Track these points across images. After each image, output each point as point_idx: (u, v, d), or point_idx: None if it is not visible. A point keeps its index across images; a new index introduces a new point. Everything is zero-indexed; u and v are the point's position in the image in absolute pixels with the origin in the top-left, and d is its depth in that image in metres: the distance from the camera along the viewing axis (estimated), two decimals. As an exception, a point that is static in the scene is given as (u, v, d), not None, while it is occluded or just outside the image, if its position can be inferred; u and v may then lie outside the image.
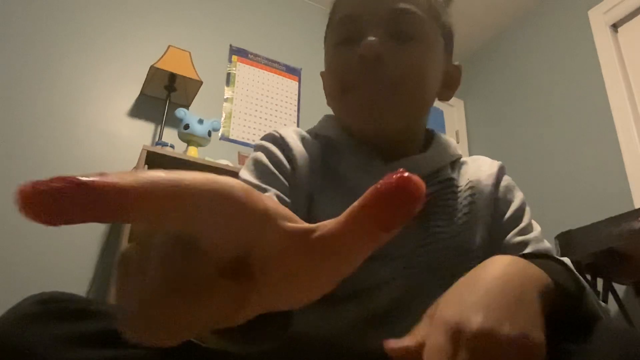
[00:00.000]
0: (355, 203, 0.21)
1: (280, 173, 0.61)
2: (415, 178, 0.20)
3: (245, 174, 0.62)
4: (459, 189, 0.66)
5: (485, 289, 0.40)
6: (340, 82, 0.64)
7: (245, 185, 0.21)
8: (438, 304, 0.42)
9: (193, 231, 0.19)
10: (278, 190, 0.59)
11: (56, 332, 0.38)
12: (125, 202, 0.17)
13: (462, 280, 0.43)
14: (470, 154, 3.32)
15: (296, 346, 0.54)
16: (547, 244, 0.64)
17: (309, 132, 0.69)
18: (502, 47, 3.37)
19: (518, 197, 0.67)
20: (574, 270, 0.50)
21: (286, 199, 0.59)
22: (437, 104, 3.46)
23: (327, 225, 0.22)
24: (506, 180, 0.69)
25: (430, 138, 0.71)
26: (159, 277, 0.19)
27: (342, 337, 0.55)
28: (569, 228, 1.95)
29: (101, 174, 0.17)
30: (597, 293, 1.94)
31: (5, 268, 1.90)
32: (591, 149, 2.57)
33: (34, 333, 0.38)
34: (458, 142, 3.38)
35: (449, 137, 0.73)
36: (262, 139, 0.67)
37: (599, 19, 2.74)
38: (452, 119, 3.46)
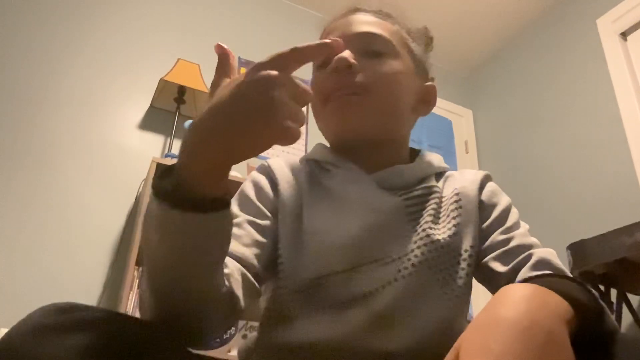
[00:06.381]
0: None
1: (259, 200, 0.69)
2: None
3: (233, 199, 0.69)
4: (445, 196, 0.70)
5: (512, 334, 0.38)
6: (319, 96, 0.71)
7: None
8: (459, 348, 0.40)
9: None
10: (251, 215, 0.66)
11: (71, 343, 0.37)
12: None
13: (482, 320, 0.41)
14: (480, 164, 3.30)
15: (306, 352, 0.57)
16: (532, 239, 0.66)
17: (301, 159, 0.78)
18: (510, 57, 3.36)
19: (503, 200, 0.71)
20: (585, 284, 0.50)
21: (258, 221, 0.66)
22: (446, 114, 3.46)
23: None
24: (491, 186, 0.73)
25: (416, 154, 0.77)
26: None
27: (350, 340, 0.57)
28: (582, 238, 1.93)
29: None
30: (611, 304, 1.91)
31: (15, 278, 1.91)
32: (602, 157, 2.55)
33: (48, 344, 0.37)
34: (467, 153, 3.36)
35: (436, 154, 0.79)
36: (256, 169, 0.75)
37: (607, 28, 2.73)
38: (460, 130, 3.44)
